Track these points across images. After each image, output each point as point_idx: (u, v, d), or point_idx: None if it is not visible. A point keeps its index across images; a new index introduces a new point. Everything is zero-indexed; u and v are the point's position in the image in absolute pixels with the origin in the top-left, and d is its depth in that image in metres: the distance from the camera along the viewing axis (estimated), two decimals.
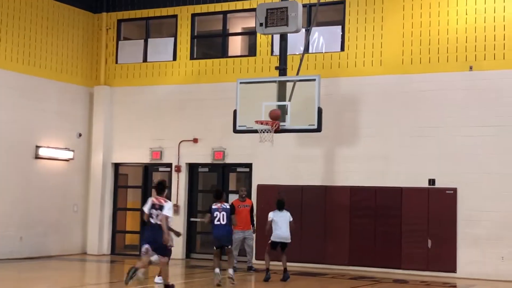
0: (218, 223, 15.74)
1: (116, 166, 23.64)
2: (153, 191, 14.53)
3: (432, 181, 19.21)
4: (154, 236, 13.45)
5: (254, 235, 19.03)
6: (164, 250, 13.63)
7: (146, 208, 13.64)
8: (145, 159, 22.95)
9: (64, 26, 22.77)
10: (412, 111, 19.50)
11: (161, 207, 13.33)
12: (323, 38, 20.96)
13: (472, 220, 18.63)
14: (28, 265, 19.23)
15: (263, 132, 17.97)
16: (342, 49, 20.61)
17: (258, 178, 21.22)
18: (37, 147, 21.66)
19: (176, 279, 16.65)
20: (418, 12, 19.72)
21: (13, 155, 20.91)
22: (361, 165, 19.94)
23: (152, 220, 13.48)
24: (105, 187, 23.26)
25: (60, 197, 22.27)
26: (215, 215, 15.83)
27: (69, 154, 22.69)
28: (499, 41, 18.77)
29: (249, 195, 21.17)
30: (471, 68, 18.95)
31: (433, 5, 19.54)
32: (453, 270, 18.72)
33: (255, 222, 19.02)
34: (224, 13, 22.41)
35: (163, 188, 13.85)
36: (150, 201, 13.74)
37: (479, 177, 18.66)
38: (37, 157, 21.66)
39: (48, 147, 21.95)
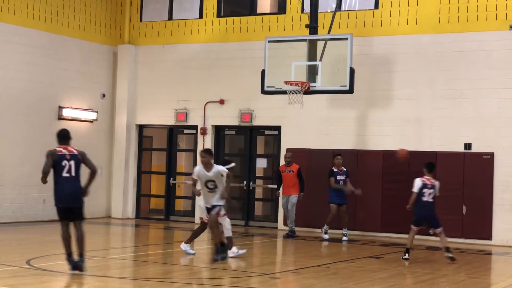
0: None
1: (141, 128, 23.67)
2: None
3: (468, 146, 19.03)
4: None
5: (295, 201, 18.93)
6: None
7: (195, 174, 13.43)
8: (170, 121, 22.94)
9: None
10: (448, 72, 19.27)
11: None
12: None
13: (510, 186, 18.50)
14: (51, 228, 19.33)
15: (293, 93, 17.88)
16: (376, 6, 20.30)
17: (287, 142, 21.07)
18: (60, 107, 21.72)
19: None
20: None
21: (36, 116, 21.00)
22: (395, 129, 19.78)
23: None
24: (129, 150, 23.32)
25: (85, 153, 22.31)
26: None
27: (92, 115, 22.74)
28: None
29: (277, 159, 21.15)
30: (511, 27, 18.66)
31: None
32: (489, 237, 18.62)
33: (304, 187, 19.05)
34: None
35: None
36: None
37: None
38: (60, 118, 21.72)
39: (71, 107, 22.00)
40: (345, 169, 18.52)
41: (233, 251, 14.26)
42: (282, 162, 20.76)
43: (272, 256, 16.66)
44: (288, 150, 20.08)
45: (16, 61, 20.38)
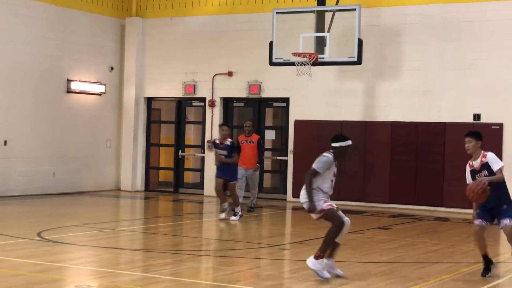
0: None
1: (149, 100, 23.70)
2: None
3: (477, 116, 19.02)
4: None
5: (257, 173, 17.87)
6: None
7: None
8: (178, 93, 22.97)
9: None
10: (456, 43, 19.21)
11: None
12: None
13: None
14: (61, 200, 19.48)
15: (301, 65, 17.86)
16: None
17: (296, 113, 21.11)
18: (69, 80, 21.78)
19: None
20: None
21: (45, 89, 21.06)
22: (403, 100, 19.76)
23: None
24: (137, 122, 23.39)
25: (92, 133, 22.46)
26: None
27: (101, 88, 22.79)
28: None
29: (286, 131, 21.16)
30: None
31: None
32: None
33: (263, 159, 18.73)
34: None
35: None
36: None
37: None
38: (68, 91, 21.79)
39: (79, 80, 22.06)
40: (228, 142, 16.03)
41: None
42: (291, 134, 20.85)
43: (281, 228, 16.76)
44: (249, 119, 19.60)
45: (24, 34, 20.38)
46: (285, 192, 21.22)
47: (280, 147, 21.96)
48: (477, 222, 9.55)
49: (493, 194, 9.32)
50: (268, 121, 22.47)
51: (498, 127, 18.73)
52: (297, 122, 20.98)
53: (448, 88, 19.23)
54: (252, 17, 21.37)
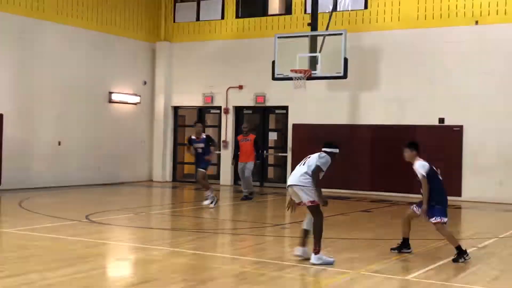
0: None
1: (175, 108, 23.67)
2: None
3: (441, 120, 18.96)
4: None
5: (251, 167, 16.98)
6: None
7: None
8: (199, 102, 22.92)
9: None
10: (423, 61, 19.16)
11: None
12: None
13: (475, 152, 18.48)
14: (104, 190, 19.50)
15: (297, 79, 17.85)
16: (366, 7, 20.14)
17: (293, 118, 21.09)
18: (110, 93, 21.76)
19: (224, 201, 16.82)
20: None
21: (91, 100, 21.05)
22: (381, 107, 19.71)
23: None
24: (166, 126, 23.37)
25: (130, 135, 22.45)
26: None
27: (136, 99, 22.76)
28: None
29: (285, 132, 21.13)
30: (476, 22, 18.52)
31: None
32: (459, 194, 18.58)
33: (261, 154, 17.85)
34: None
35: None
36: None
37: (482, 116, 18.38)
38: (110, 101, 21.77)
39: (119, 92, 22.05)
40: (204, 137, 15.11)
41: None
42: (290, 136, 20.83)
43: (282, 211, 16.71)
44: (246, 121, 20.02)
45: (76, 55, 20.39)
46: (285, 182, 21.02)
47: (281, 145, 21.92)
48: (412, 206, 9.85)
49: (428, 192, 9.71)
50: (271, 125, 22.40)
51: (458, 128, 18.68)
52: (294, 125, 20.95)
53: (418, 97, 19.16)
54: (258, 41, 21.30)
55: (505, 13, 18.21)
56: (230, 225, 13.53)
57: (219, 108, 22.54)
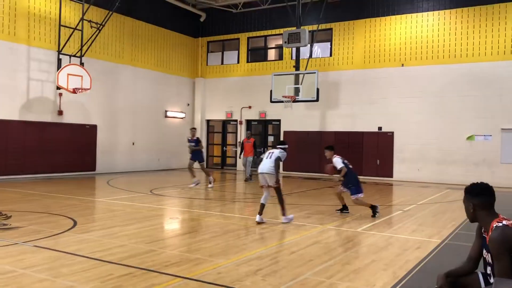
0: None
1: (208, 121, 23.72)
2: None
3: (380, 128, 18.94)
4: None
5: (251, 160, 16.77)
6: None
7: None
8: (223, 117, 22.96)
9: (179, 45, 22.67)
10: (368, 90, 19.19)
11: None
12: (319, 49, 20.54)
13: (402, 149, 18.46)
14: (162, 173, 19.56)
15: (286, 101, 17.88)
16: (331, 55, 20.16)
17: (284, 127, 21.10)
18: (166, 111, 21.82)
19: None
20: (372, 34, 19.21)
21: (153, 116, 21.13)
22: (340, 119, 19.72)
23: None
24: (202, 132, 23.40)
25: (178, 138, 22.51)
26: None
27: (182, 115, 22.82)
28: (419, 49, 18.28)
29: (278, 138, 21.17)
30: (402, 65, 18.52)
31: (378, 30, 19.02)
32: (391, 176, 18.60)
33: (257, 152, 17.28)
34: (265, 36, 22.09)
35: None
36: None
37: (406, 125, 18.40)
38: (165, 116, 21.84)
39: (171, 111, 22.10)
40: (195, 138, 14.49)
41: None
42: (282, 138, 20.82)
43: None
44: (249, 129, 20.24)
45: (142, 86, 20.50)
46: (278, 168, 21.17)
47: (275, 145, 21.93)
48: (340, 187, 9.57)
49: (345, 178, 9.37)
50: (270, 131, 22.44)
51: (391, 134, 18.66)
52: (285, 132, 20.99)
53: (365, 113, 19.18)
54: (261, 77, 21.34)
55: (421, 58, 18.23)
56: (242, 196, 13.57)
57: (236, 120, 22.57)
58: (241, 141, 14.76)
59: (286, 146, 8.81)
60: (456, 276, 3.32)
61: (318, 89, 17.54)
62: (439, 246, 6.78)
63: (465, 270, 3.33)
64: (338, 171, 9.38)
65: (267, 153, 8.58)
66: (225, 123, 23.38)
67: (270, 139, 22.30)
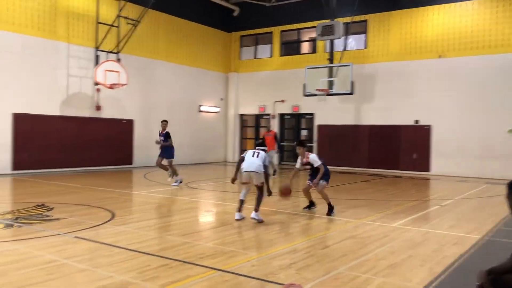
0: None
1: (241, 115, 23.79)
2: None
3: (416, 121, 18.52)
4: None
5: (275, 154, 16.15)
6: None
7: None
8: (256, 111, 22.98)
9: (212, 40, 22.80)
10: (404, 82, 18.77)
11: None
12: (354, 41, 20.22)
13: (439, 142, 18.03)
14: (196, 167, 19.78)
15: (320, 95, 17.76)
16: (365, 47, 19.82)
17: (318, 121, 20.92)
18: (199, 106, 22.04)
19: None
20: (408, 25, 18.74)
21: (188, 111, 21.37)
22: (375, 113, 19.39)
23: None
24: (235, 127, 23.53)
25: (212, 132, 22.72)
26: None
27: (216, 109, 22.98)
28: (458, 39, 17.74)
29: (312, 130, 21.02)
30: (440, 56, 18.02)
31: (414, 21, 18.56)
32: (428, 170, 18.19)
33: (279, 146, 16.06)
34: (298, 29, 21.92)
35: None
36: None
37: (443, 118, 17.94)
38: (199, 111, 22.06)
39: (205, 105, 22.30)
40: (165, 132, 12.96)
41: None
42: (315, 132, 20.70)
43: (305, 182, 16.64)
44: (268, 125, 19.63)
45: (178, 82, 20.76)
46: None
47: (310, 138, 21.84)
48: (308, 182, 8.74)
49: (314, 173, 8.59)
50: (303, 125, 22.33)
51: (428, 127, 18.23)
52: (319, 126, 20.83)
53: (401, 106, 18.80)
54: (295, 71, 21.18)
55: (459, 49, 17.68)
56: (273, 190, 13.56)
57: (269, 114, 22.53)
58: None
59: (266, 147, 8.22)
60: (498, 273, 3.20)
61: (352, 82, 17.31)
62: (479, 242, 6.59)
63: (509, 267, 3.22)
64: (316, 172, 8.62)
65: (250, 152, 7.91)
66: (258, 117, 23.39)
67: (303, 133, 22.18)
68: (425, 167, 18.26)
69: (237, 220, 7.79)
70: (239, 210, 7.90)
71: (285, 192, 8.16)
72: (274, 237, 6.72)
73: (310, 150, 9.07)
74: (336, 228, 7.47)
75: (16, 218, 7.62)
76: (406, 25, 18.85)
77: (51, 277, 4.62)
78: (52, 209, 8.50)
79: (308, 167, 8.71)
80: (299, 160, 8.71)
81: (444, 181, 16.09)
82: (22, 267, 4.93)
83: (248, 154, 7.93)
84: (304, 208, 9.11)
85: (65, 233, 6.59)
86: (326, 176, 8.73)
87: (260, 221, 7.65)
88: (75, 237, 6.37)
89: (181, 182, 12.78)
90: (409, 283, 4.72)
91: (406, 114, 18.69)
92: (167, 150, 12.88)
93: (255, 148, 8.09)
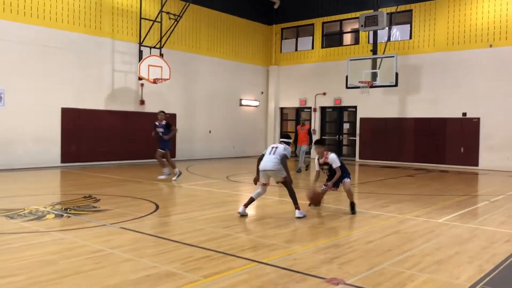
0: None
1: (281, 109, 23.77)
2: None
3: (464, 114, 17.88)
4: None
5: (305, 149, 15.10)
6: None
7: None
8: (296, 104, 22.88)
9: (253, 33, 22.84)
10: (451, 72, 18.14)
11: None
12: (398, 31, 19.70)
13: (489, 136, 17.34)
14: (236, 161, 19.95)
15: (363, 87, 17.46)
16: (410, 37, 19.29)
17: (361, 114, 20.59)
18: (240, 99, 22.16)
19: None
20: (456, 13, 18.09)
21: (228, 104, 21.57)
22: (421, 105, 18.90)
23: None
24: (275, 120, 23.56)
25: (252, 126, 22.83)
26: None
27: (256, 103, 23.05)
28: (510, 28, 16.96)
29: (354, 123, 20.71)
30: (491, 45, 17.27)
31: (462, 9, 17.86)
32: (477, 165, 17.55)
33: (311, 139, 15.07)
34: (340, 20, 21.61)
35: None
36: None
37: (493, 111, 17.26)
38: (240, 105, 22.19)
39: (245, 99, 22.40)
40: (164, 123, 12.21)
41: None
42: (358, 125, 20.40)
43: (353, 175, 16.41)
44: (305, 119, 19.23)
45: (218, 76, 20.95)
46: (354, 156, 20.85)
47: (352, 132, 21.55)
48: (323, 188, 8.22)
49: (332, 174, 8.01)
50: (345, 118, 22.05)
51: (476, 120, 17.57)
52: (361, 119, 20.50)
53: (448, 98, 18.21)
54: (336, 63, 20.96)
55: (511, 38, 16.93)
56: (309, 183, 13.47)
57: (310, 108, 22.36)
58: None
59: (290, 140, 7.93)
60: None
61: (397, 74, 16.90)
62: None
63: None
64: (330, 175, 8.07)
65: (269, 148, 7.67)
66: (298, 110, 23.26)
67: (346, 126, 21.89)
68: (473, 161, 17.62)
69: (238, 213, 7.53)
70: (245, 205, 7.61)
71: (315, 198, 8.02)
72: (316, 231, 6.68)
73: (329, 149, 8.45)
74: (379, 223, 7.34)
75: (66, 209, 7.95)
76: (453, 14, 18.19)
77: (98, 266, 4.79)
78: (99, 200, 8.81)
79: (326, 167, 8.05)
80: (316, 161, 8.12)
81: (493, 175, 15.48)
82: (70, 256, 5.13)
83: (267, 151, 7.62)
84: (309, 204, 8.35)
85: (111, 223, 6.81)
86: (347, 173, 8.07)
87: (304, 217, 7.52)
88: (120, 227, 6.57)
89: (180, 173, 12.26)
90: (456, 280, 4.57)
91: (453, 106, 18.08)
92: (166, 142, 12.14)
93: (279, 141, 7.76)
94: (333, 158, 7.98)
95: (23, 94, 14.65)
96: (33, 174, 13.32)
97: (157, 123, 12.30)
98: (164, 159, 12.26)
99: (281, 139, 7.89)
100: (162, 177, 12.34)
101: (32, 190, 10.16)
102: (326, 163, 8.05)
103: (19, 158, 14.64)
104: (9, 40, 14.37)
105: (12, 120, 14.41)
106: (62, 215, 7.43)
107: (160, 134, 12.18)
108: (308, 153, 15.48)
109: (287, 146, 7.66)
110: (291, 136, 7.87)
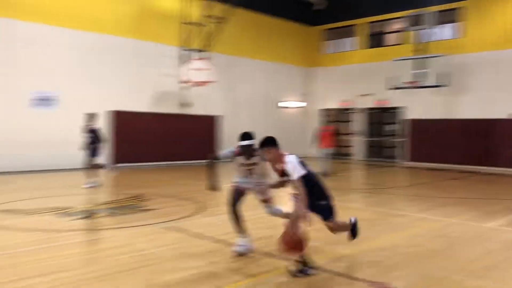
0: None
1: (323, 110, 23.57)
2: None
3: (510, 114, 17.20)
4: None
5: (326, 151, 14.36)
6: None
7: None
8: (336, 105, 22.67)
9: (295, 35, 22.81)
10: (504, 73, 17.53)
11: None
12: (445, 30, 19.14)
13: None
14: None
15: (408, 88, 17.12)
16: (458, 36, 18.74)
17: (406, 115, 20.07)
18: (281, 101, 22.20)
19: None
20: (509, 10, 17.40)
21: (270, 106, 21.66)
22: (470, 106, 18.30)
23: None
24: (315, 121, 23.38)
25: (293, 128, 22.77)
26: None
27: (298, 104, 22.99)
28: None
29: (402, 127, 20.21)
30: None
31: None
32: None
33: (338, 141, 14.04)
34: (384, 20, 21.28)
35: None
36: None
37: None
38: (278, 107, 22.23)
39: (287, 101, 22.40)
40: (92, 128, 11.09)
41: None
42: (402, 127, 19.94)
43: (395, 178, 16.11)
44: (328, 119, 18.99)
45: (257, 78, 21.07)
46: (402, 159, 20.36)
47: (394, 134, 21.01)
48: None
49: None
50: (389, 120, 21.53)
51: None
52: (407, 120, 19.92)
53: (499, 99, 17.56)
54: (379, 64, 20.50)
55: None
56: (362, 186, 13.25)
57: (352, 109, 22.07)
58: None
59: (248, 142, 5.88)
60: None
61: (444, 74, 16.46)
62: None
63: None
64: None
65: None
66: (340, 112, 23.03)
67: (389, 128, 21.46)
68: None
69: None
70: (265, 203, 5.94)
71: (293, 247, 4.62)
72: (361, 234, 6.63)
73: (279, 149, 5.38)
74: (425, 227, 7.20)
75: (115, 208, 8.26)
76: (506, 11, 17.51)
77: (143, 265, 4.96)
78: (146, 200, 9.09)
79: (287, 178, 4.98)
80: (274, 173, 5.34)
81: None
82: (116, 254, 5.35)
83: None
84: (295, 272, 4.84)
85: (157, 223, 7.02)
86: (325, 204, 4.97)
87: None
88: (166, 227, 6.77)
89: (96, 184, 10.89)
90: (506, 286, 4.44)
91: (506, 107, 17.38)
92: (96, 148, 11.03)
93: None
94: (291, 164, 4.88)
95: (74, 97, 15.25)
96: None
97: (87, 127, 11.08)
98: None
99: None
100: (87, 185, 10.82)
101: (82, 190, 10.57)
102: (285, 172, 5.00)
103: (73, 159, 15.22)
104: (59, 45, 15.05)
105: (67, 122, 14.82)
106: (111, 214, 7.72)
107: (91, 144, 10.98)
108: (334, 155, 15.02)
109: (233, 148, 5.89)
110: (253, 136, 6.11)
